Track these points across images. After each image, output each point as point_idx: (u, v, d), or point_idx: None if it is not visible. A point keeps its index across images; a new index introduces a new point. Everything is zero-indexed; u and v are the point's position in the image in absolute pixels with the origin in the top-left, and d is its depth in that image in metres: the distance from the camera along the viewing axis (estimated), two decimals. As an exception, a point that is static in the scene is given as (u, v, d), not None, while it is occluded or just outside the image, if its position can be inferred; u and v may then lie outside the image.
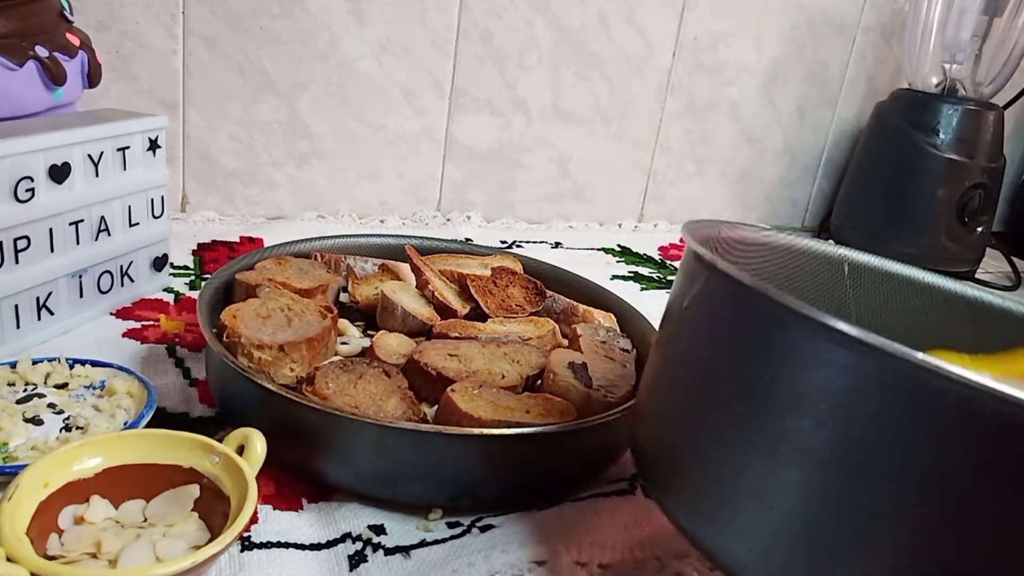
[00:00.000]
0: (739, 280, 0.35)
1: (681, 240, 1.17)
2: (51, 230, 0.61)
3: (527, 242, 1.06)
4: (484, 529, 0.48)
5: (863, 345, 0.29)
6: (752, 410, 0.34)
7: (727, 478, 0.35)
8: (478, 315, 0.64)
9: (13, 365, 0.54)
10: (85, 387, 0.54)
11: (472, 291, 0.65)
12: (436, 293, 0.63)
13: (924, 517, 0.30)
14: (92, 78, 0.74)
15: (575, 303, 0.67)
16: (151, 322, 0.69)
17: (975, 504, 0.29)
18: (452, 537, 0.47)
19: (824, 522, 0.32)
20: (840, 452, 0.31)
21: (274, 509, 0.47)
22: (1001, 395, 0.27)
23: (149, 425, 0.50)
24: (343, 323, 0.62)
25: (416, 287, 0.66)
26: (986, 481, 0.29)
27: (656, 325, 0.64)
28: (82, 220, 0.63)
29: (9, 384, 0.53)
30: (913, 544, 0.30)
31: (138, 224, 0.69)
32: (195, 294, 0.75)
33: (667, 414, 0.41)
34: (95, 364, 0.56)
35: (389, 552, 0.45)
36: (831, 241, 1.09)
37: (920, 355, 0.28)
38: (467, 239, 1.01)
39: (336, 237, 0.73)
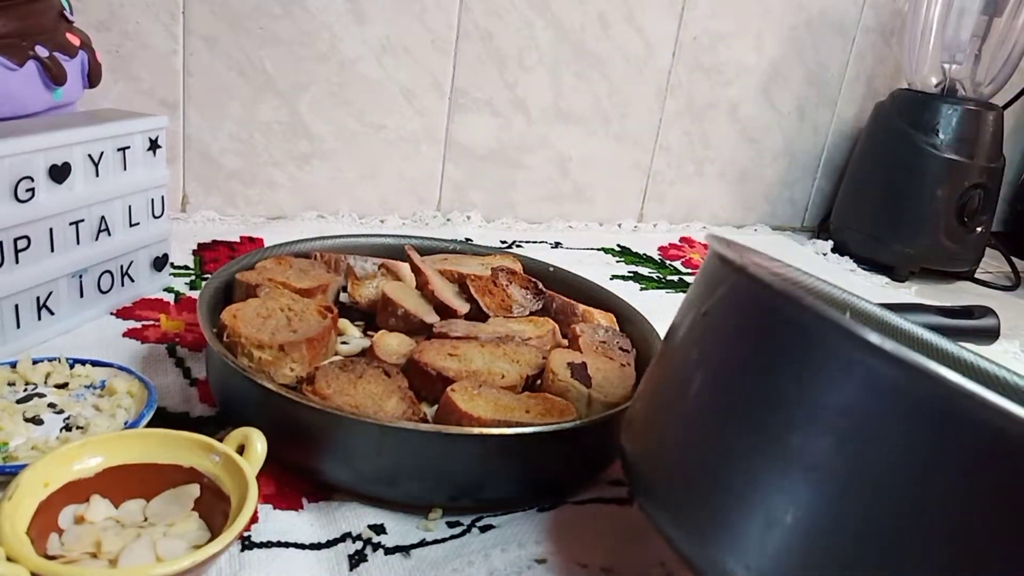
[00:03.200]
0: (771, 284, 0.33)
1: (682, 240, 1.17)
2: (51, 230, 0.61)
3: (527, 242, 1.06)
4: (484, 529, 0.48)
5: (898, 361, 0.28)
6: (769, 422, 0.33)
7: (732, 491, 0.34)
8: (478, 315, 0.64)
9: (13, 365, 0.54)
10: (85, 387, 0.54)
11: (472, 291, 0.65)
12: (436, 293, 0.63)
13: (943, 546, 0.29)
14: (92, 78, 0.74)
15: (574, 303, 0.67)
16: (151, 322, 0.69)
17: (998, 539, 0.28)
18: (452, 537, 0.47)
19: (835, 544, 0.31)
20: (859, 472, 0.30)
21: (274, 508, 0.47)
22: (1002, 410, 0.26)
23: (149, 425, 0.50)
24: (343, 323, 0.62)
25: (416, 287, 0.66)
26: (1013, 514, 0.28)
27: (656, 325, 0.64)
28: (82, 220, 0.63)
29: (9, 384, 0.53)
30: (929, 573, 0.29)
31: (138, 224, 0.69)
32: (195, 294, 0.75)
33: (669, 423, 0.40)
34: (95, 364, 0.56)
35: (389, 551, 0.45)
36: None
37: (955, 376, 0.27)
38: (467, 239, 1.01)
39: (336, 237, 0.73)
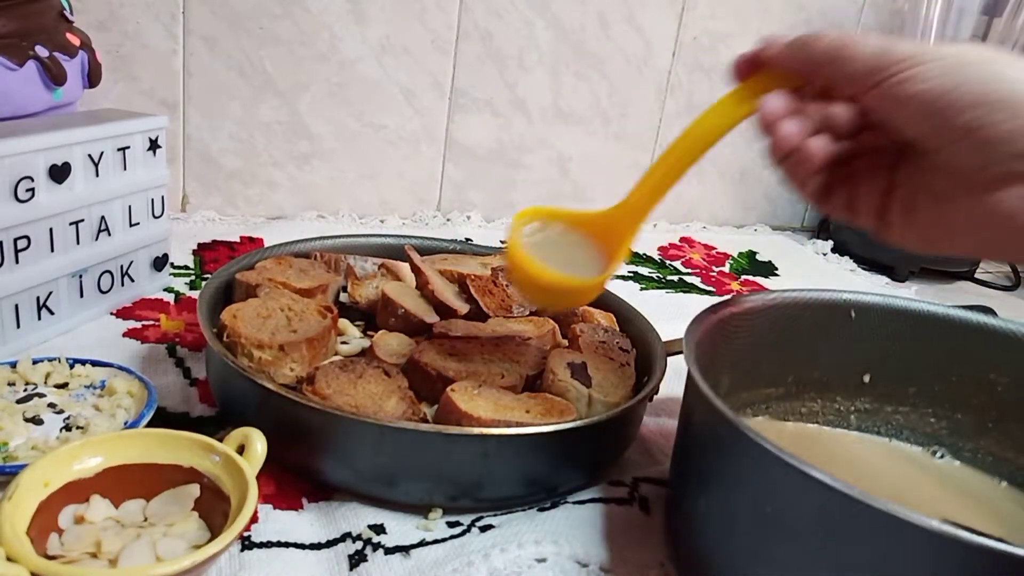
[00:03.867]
0: (728, 419, 0.38)
1: (682, 240, 1.17)
2: (51, 230, 0.61)
3: (527, 242, 1.05)
4: (484, 529, 0.48)
5: (833, 490, 0.33)
6: (759, 533, 0.39)
7: None
8: (478, 315, 0.64)
9: (13, 365, 0.54)
10: (85, 387, 0.54)
11: (472, 291, 0.65)
12: (436, 293, 0.63)
13: None
14: (92, 78, 0.74)
15: (575, 303, 0.67)
16: (151, 322, 0.69)
17: None
18: (452, 537, 0.47)
19: None
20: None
21: (274, 508, 0.47)
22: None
23: (149, 425, 0.50)
24: (343, 323, 0.62)
25: (416, 287, 0.66)
26: None
27: (656, 325, 0.64)
28: (82, 220, 0.63)
29: (9, 384, 0.53)
30: None
31: (138, 224, 0.69)
32: (195, 294, 0.75)
33: (691, 505, 0.46)
34: (95, 364, 0.56)
35: (389, 551, 0.45)
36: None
37: (885, 502, 0.32)
38: (467, 239, 1.01)
39: (336, 237, 0.73)
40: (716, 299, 0.95)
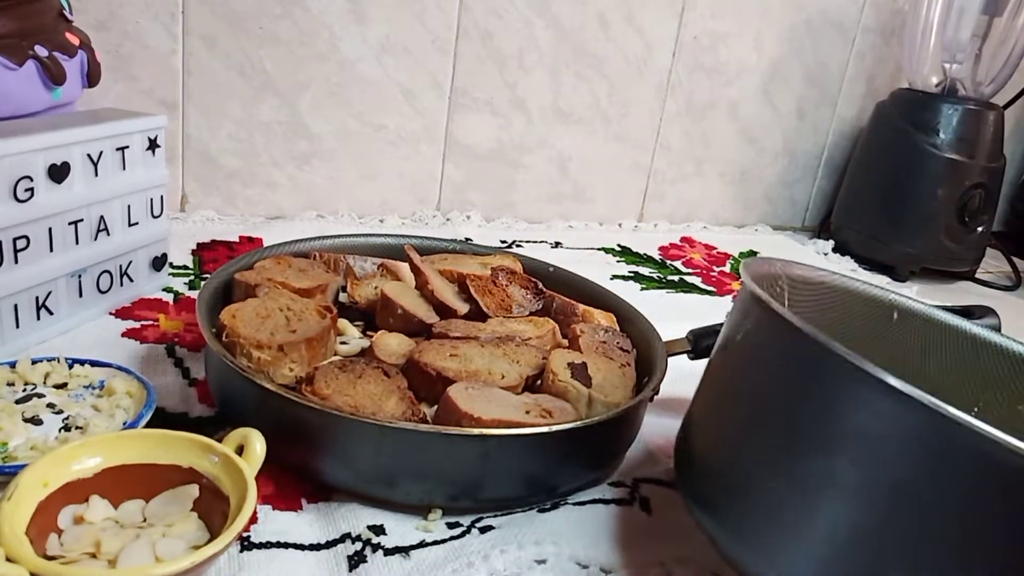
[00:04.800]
0: (790, 322, 0.37)
1: (683, 239, 1.17)
2: (50, 230, 0.60)
3: (527, 242, 1.06)
4: (484, 530, 0.47)
5: (900, 395, 0.32)
6: (791, 444, 0.37)
7: (764, 506, 0.38)
8: (478, 315, 0.64)
9: (12, 365, 0.54)
10: (84, 387, 0.54)
11: (472, 291, 0.65)
12: (436, 293, 0.63)
13: (950, 559, 0.32)
14: (92, 78, 0.74)
15: (574, 303, 0.67)
16: (150, 322, 0.69)
17: (999, 550, 0.32)
18: (452, 538, 0.47)
19: (850, 557, 0.34)
20: (872, 493, 0.34)
21: (273, 509, 0.47)
22: (1009, 447, 0.29)
23: (148, 425, 0.50)
24: (343, 323, 0.62)
25: (416, 287, 0.66)
26: (1009, 530, 0.31)
27: (656, 325, 0.64)
28: (81, 220, 0.63)
29: (8, 384, 0.53)
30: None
31: (137, 224, 0.69)
32: (194, 294, 0.75)
33: (713, 436, 0.44)
34: (94, 364, 0.56)
35: (389, 552, 0.45)
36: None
37: (948, 408, 0.30)
38: (467, 239, 1.01)
39: (336, 237, 0.73)
40: (718, 299, 0.96)
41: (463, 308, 0.64)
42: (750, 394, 0.41)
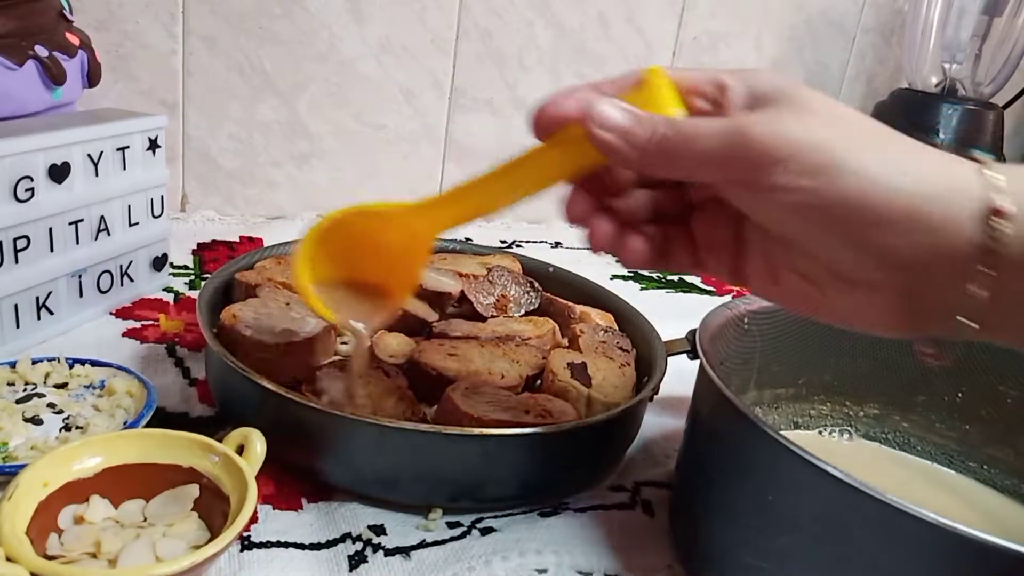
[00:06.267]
0: (739, 409, 0.39)
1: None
2: (51, 230, 0.61)
3: (527, 242, 1.06)
4: (485, 532, 0.47)
5: (838, 481, 0.34)
6: (761, 524, 0.39)
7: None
8: (474, 315, 0.64)
9: (13, 365, 0.54)
10: (85, 387, 0.54)
11: (466, 290, 0.65)
12: (425, 285, 0.63)
13: None
14: (92, 78, 0.74)
15: (572, 304, 0.67)
16: (151, 322, 0.69)
17: None
18: (452, 539, 0.47)
19: None
20: (838, 568, 0.36)
21: (274, 509, 0.47)
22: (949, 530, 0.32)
23: (149, 425, 0.50)
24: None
25: None
26: None
27: (656, 325, 0.64)
28: (82, 220, 0.63)
29: (9, 384, 0.53)
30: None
31: (138, 224, 0.69)
32: (195, 294, 0.75)
33: (697, 504, 0.46)
34: (95, 364, 0.56)
35: (389, 553, 0.45)
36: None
37: (887, 495, 0.33)
38: (467, 239, 1.01)
39: (336, 237, 0.73)
40: (718, 299, 0.96)
41: (456, 288, 0.64)
42: (717, 475, 0.43)
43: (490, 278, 0.68)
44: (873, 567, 0.35)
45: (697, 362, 0.62)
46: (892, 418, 0.58)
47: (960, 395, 0.56)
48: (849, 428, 0.59)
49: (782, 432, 0.38)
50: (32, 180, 0.58)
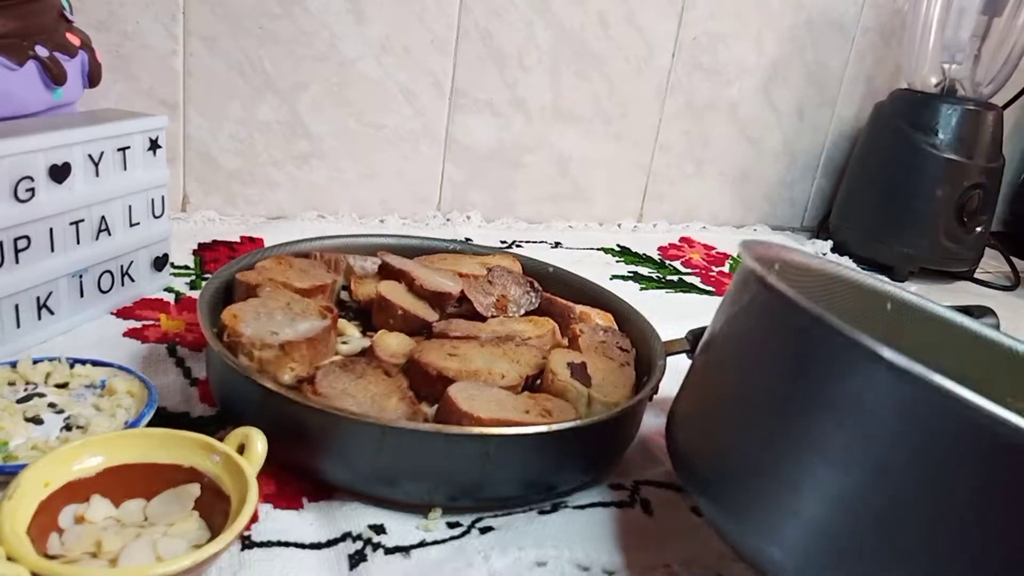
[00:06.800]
0: (787, 296, 0.37)
1: (682, 240, 1.17)
2: (51, 230, 0.61)
3: (527, 242, 1.06)
4: (484, 531, 0.48)
5: (890, 364, 0.32)
6: (785, 415, 0.37)
7: (761, 480, 0.37)
8: (474, 315, 0.64)
9: (13, 365, 0.54)
10: (85, 386, 0.54)
11: (466, 290, 0.65)
12: (425, 285, 0.63)
13: (950, 534, 0.32)
14: (92, 78, 0.74)
15: (572, 305, 0.67)
16: (152, 322, 0.69)
17: (1001, 526, 0.31)
18: (452, 538, 0.47)
19: (856, 530, 0.34)
20: (864, 463, 0.34)
21: (274, 508, 0.48)
22: (999, 419, 0.30)
23: (150, 424, 0.50)
24: (343, 323, 0.62)
25: (404, 286, 0.65)
26: (994, 497, 0.31)
27: (656, 325, 0.64)
28: (82, 220, 0.63)
29: (9, 384, 0.53)
30: (932, 551, 0.32)
31: (138, 224, 0.69)
32: (196, 294, 0.75)
33: (706, 415, 0.44)
34: (95, 364, 0.56)
35: (389, 552, 0.45)
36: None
37: (937, 377, 0.31)
38: (467, 239, 1.01)
39: (336, 237, 0.73)
40: (717, 299, 0.96)
41: (456, 288, 0.64)
42: (744, 367, 0.41)
43: (490, 278, 0.68)
44: (910, 465, 0.33)
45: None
46: None
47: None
48: None
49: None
50: (33, 180, 0.58)
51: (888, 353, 0.32)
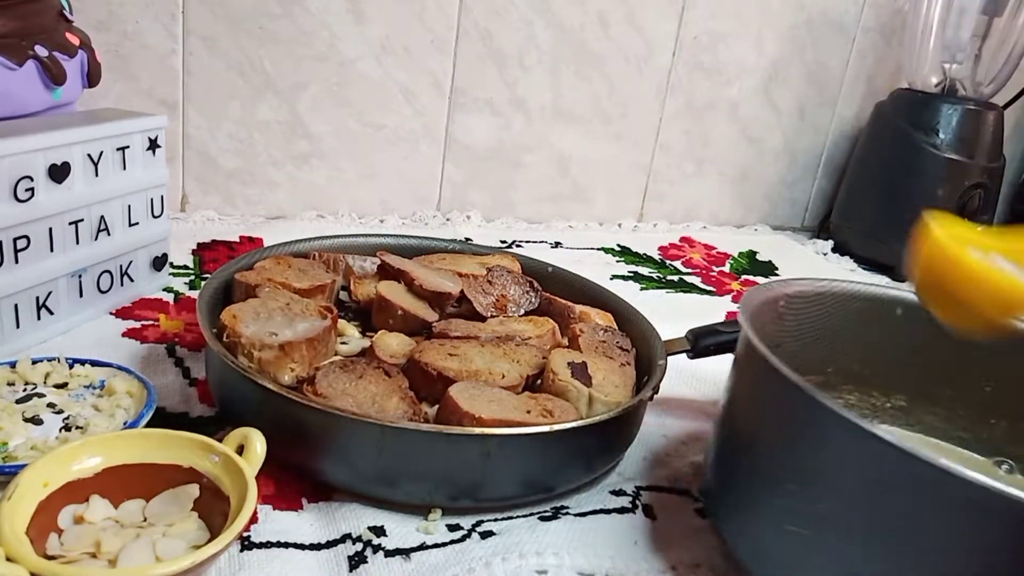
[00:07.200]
0: (784, 375, 0.40)
1: (682, 239, 1.17)
2: (51, 230, 0.60)
3: (527, 242, 1.06)
4: (485, 535, 0.47)
5: (888, 445, 0.34)
6: (798, 489, 0.40)
7: (780, 543, 0.42)
8: (474, 314, 0.64)
9: (13, 365, 0.54)
10: (85, 387, 0.54)
11: (466, 290, 0.65)
12: (425, 285, 0.63)
13: None
14: (92, 78, 0.74)
15: (572, 305, 0.67)
16: (151, 322, 0.69)
17: None
18: (452, 541, 0.47)
19: None
20: (873, 534, 0.36)
21: (274, 509, 0.47)
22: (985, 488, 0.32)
23: (149, 425, 0.50)
24: (342, 323, 0.62)
25: (404, 286, 0.65)
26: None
27: (656, 324, 0.64)
28: (82, 220, 0.63)
29: (9, 384, 0.53)
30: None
31: (138, 224, 0.69)
32: (195, 294, 0.75)
33: (735, 466, 0.47)
34: (95, 364, 0.56)
35: (389, 554, 0.45)
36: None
37: (937, 458, 0.33)
38: (467, 239, 1.01)
39: (336, 237, 0.73)
40: (717, 299, 0.96)
41: (456, 288, 0.64)
42: (758, 441, 0.44)
43: (490, 278, 0.68)
44: (918, 532, 0.35)
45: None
46: (917, 410, 0.58)
47: (988, 389, 0.56)
48: (875, 419, 0.59)
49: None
50: (32, 180, 0.58)
51: (876, 430, 0.35)
